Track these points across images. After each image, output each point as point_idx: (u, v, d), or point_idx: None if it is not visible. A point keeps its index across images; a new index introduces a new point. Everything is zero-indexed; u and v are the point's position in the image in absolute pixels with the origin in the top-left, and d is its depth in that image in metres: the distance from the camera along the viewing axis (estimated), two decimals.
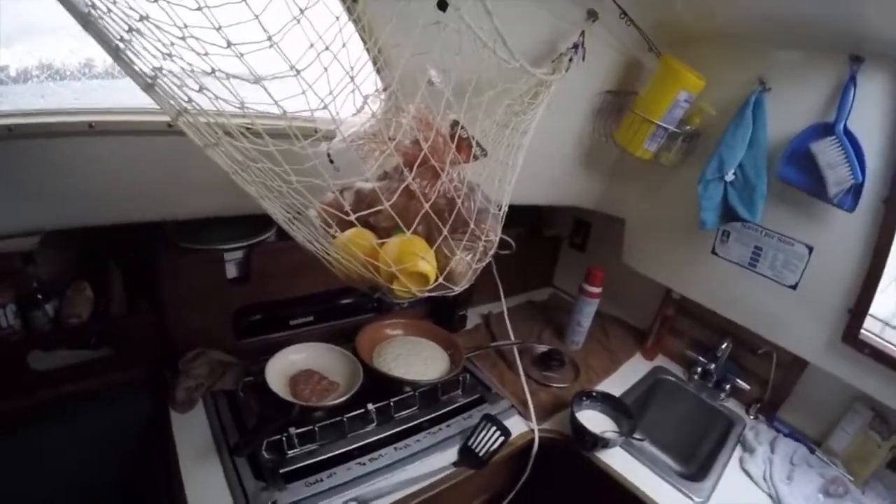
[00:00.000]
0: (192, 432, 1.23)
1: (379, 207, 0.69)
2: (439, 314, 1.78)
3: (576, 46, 1.23)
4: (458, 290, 0.84)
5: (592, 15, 1.25)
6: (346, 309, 1.63)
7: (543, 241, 2.16)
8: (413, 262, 0.74)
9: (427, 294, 0.79)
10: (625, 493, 1.30)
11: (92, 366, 1.30)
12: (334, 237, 0.76)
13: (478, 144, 0.86)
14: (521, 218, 1.95)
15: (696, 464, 1.58)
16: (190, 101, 0.62)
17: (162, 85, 0.60)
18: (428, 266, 0.77)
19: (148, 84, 0.58)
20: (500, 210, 0.91)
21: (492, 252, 0.89)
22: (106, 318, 1.31)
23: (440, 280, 0.79)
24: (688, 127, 1.44)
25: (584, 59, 1.25)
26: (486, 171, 0.91)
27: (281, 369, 1.33)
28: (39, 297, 1.22)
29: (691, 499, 1.28)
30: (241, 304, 1.41)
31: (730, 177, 1.36)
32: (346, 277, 0.79)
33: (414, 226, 0.72)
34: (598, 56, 1.36)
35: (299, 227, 0.76)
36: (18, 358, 1.20)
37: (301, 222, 0.75)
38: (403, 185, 0.71)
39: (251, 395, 1.31)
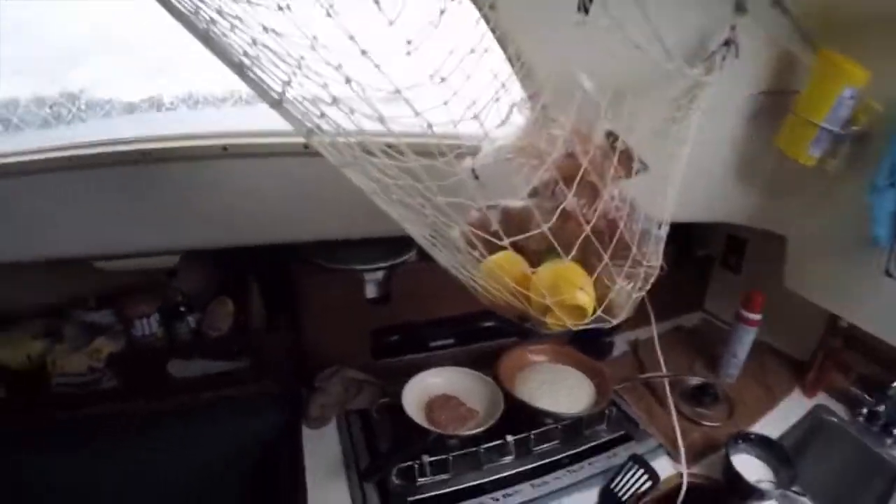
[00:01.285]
0: (322, 449, 1.22)
1: (534, 232, 0.60)
2: (584, 340, 1.64)
3: (728, 43, 1.08)
4: (615, 322, 0.73)
5: (741, 8, 1.09)
6: (488, 332, 1.57)
7: (693, 261, 1.94)
8: (571, 293, 0.65)
9: (582, 327, 0.69)
10: None
11: (229, 376, 1.34)
12: (480, 261, 0.68)
13: (638, 158, 0.74)
14: (670, 236, 1.77)
15: None
16: (323, 115, 0.57)
17: (292, 101, 0.56)
18: (587, 298, 0.67)
19: (276, 101, 0.54)
20: (661, 229, 0.79)
21: (652, 279, 0.77)
22: (245, 332, 1.36)
23: (598, 312, 0.68)
24: (854, 127, 1.21)
25: (737, 56, 1.09)
26: (642, 187, 0.79)
27: (418, 392, 1.29)
28: (182, 309, 1.30)
29: None
30: (380, 324, 1.40)
31: None
32: (493, 305, 0.72)
33: (572, 251, 0.62)
34: (749, 53, 1.18)
35: (442, 251, 0.69)
36: (160, 364, 1.27)
37: (444, 245, 0.68)
38: (562, 205, 0.62)
39: (385, 416, 1.28)
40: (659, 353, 1.50)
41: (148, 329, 1.27)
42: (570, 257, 0.62)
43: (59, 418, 1.18)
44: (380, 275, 1.32)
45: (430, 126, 0.56)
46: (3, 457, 1.13)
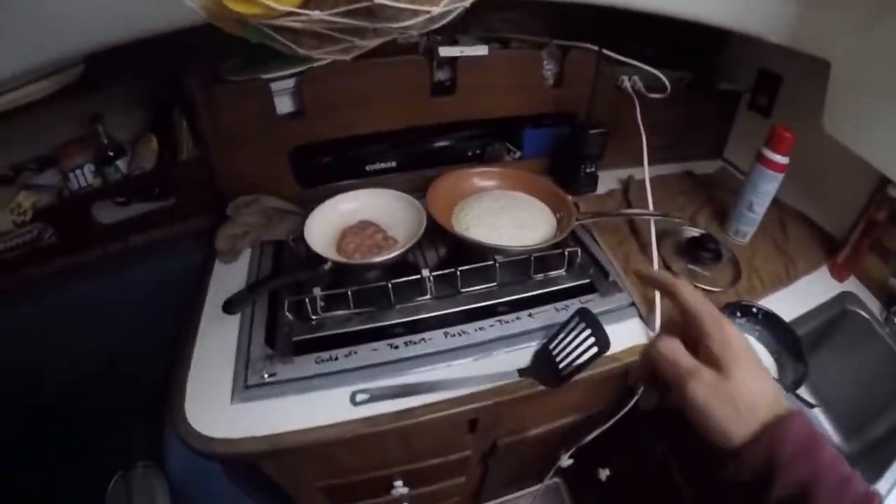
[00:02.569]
0: (227, 283, 0.96)
1: None
2: (561, 170, 1.23)
3: None
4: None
5: None
6: (440, 154, 1.19)
7: (716, 96, 1.36)
8: None
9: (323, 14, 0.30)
10: None
11: (155, 216, 1.13)
12: None
13: None
14: (689, 60, 1.27)
15: (862, 441, 0.96)
16: None
17: None
18: None
19: None
20: None
21: None
22: (165, 168, 1.12)
23: None
24: None
25: None
26: None
27: (331, 219, 0.99)
28: (111, 153, 1.11)
29: None
30: (298, 143, 1.07)
31: None
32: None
33: None
34: None
35: None
36: (84, 211, 1.10)
37: None
38: None
39: (302, 247, 0.97)
40: (648, 188, 1.07)
41: (84, 180, 1.10)
42: None
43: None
44: (291, 83, 0.98)
45: None
46: None
